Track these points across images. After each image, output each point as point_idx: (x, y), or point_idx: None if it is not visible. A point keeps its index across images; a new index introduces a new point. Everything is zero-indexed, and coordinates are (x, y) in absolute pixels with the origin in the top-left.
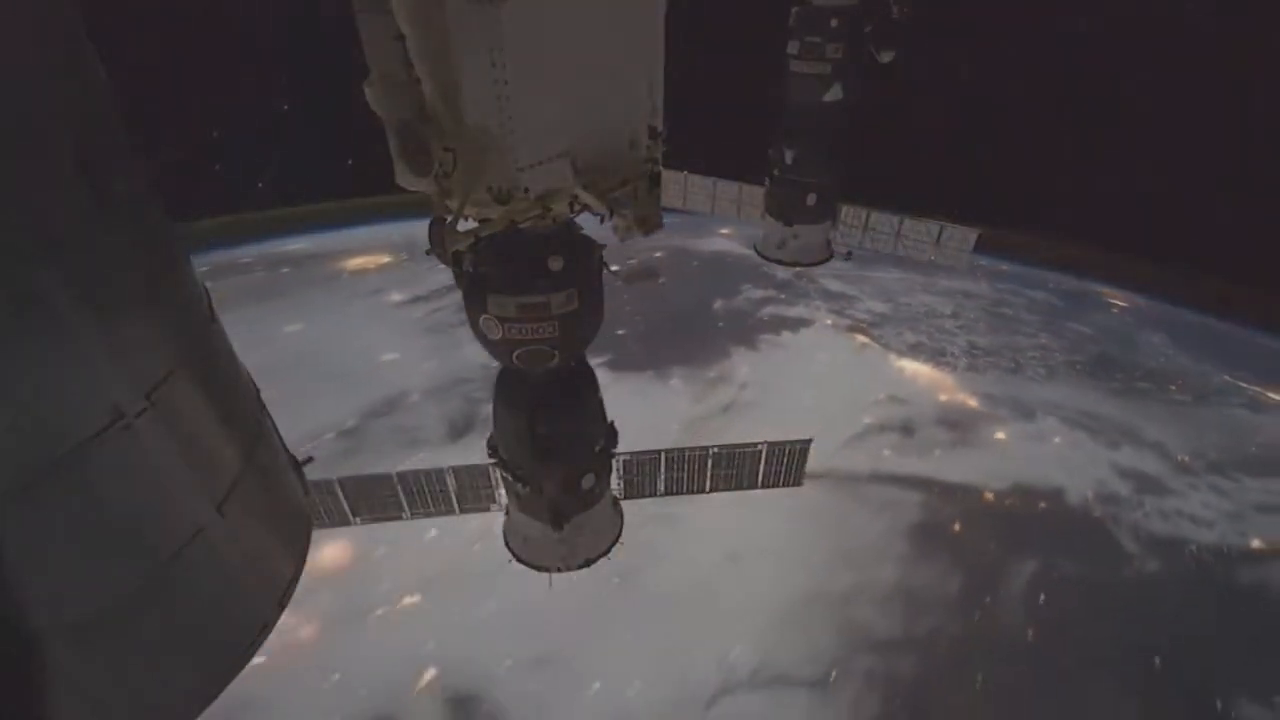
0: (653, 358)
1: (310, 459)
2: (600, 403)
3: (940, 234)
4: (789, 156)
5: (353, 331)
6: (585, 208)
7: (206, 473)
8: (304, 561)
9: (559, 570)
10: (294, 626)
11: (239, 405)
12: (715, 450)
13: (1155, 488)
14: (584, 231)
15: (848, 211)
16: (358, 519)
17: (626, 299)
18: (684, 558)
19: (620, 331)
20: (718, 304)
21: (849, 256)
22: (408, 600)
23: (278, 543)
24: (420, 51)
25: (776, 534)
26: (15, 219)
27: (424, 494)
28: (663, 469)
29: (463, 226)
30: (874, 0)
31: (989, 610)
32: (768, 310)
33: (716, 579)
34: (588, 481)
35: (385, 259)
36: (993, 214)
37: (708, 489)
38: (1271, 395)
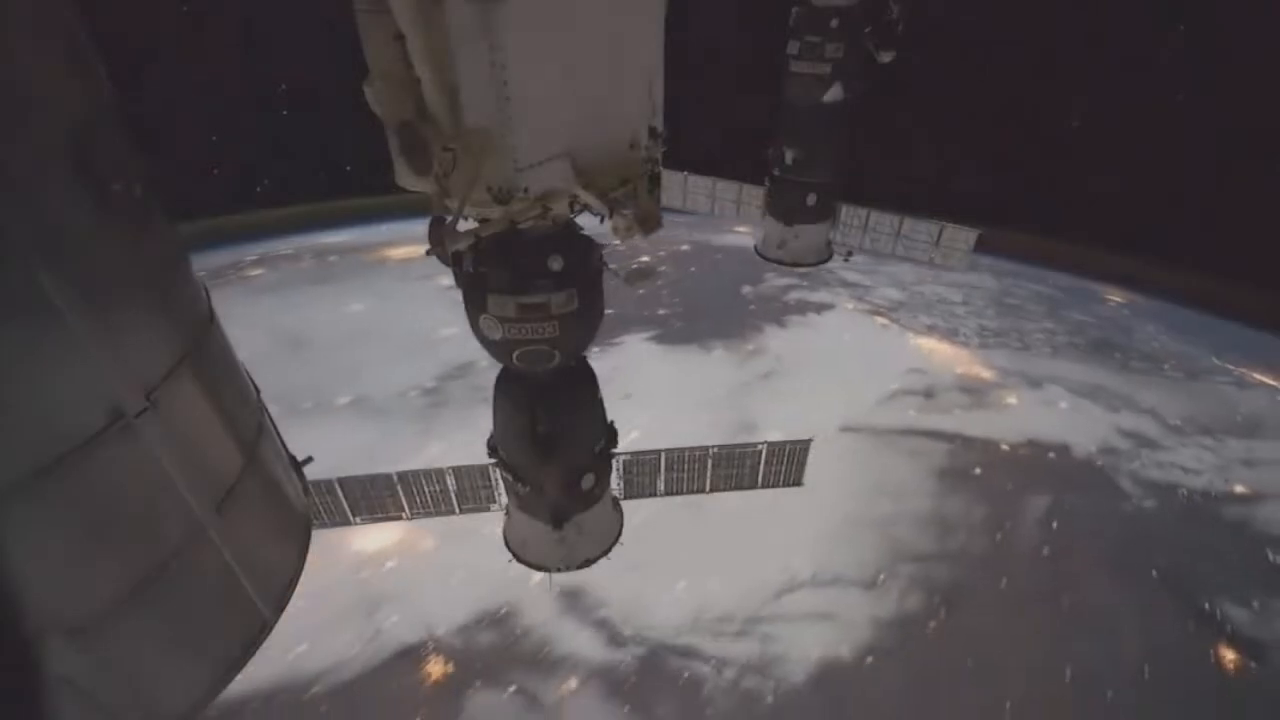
0: (694, 333)
1: (310, 459)
2: (600, 403)
3: (940, 234)
4: (789, 156)
5: (412, 310)
6: (585, 208)
7: (207, 472)
8: (304, 560)
9: (559, 570)
10: (415, 540)
11: (239, 405)
12: (715, 450)
13: (1151, 444)
14: (584, 231)
15: (848, 211)
16: (358, 519)
17: (663, 285)
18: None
19: (662, 311)
20: (746, 290)
21: (849, 257)
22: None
23: (278, 542)
24: (420, 51)
25: (823, 472)
26: (15, 220)
27: (424, 494)
28: (662, 469)
29: (463, 226)
30: (874, 0)
31: (1009, 532)
32: (793, 295)
33: (773, 506)
34: (588, 481)
35: (427, 248)
36: (993, 214)
37: (708, 489)
38: (1256, 375)
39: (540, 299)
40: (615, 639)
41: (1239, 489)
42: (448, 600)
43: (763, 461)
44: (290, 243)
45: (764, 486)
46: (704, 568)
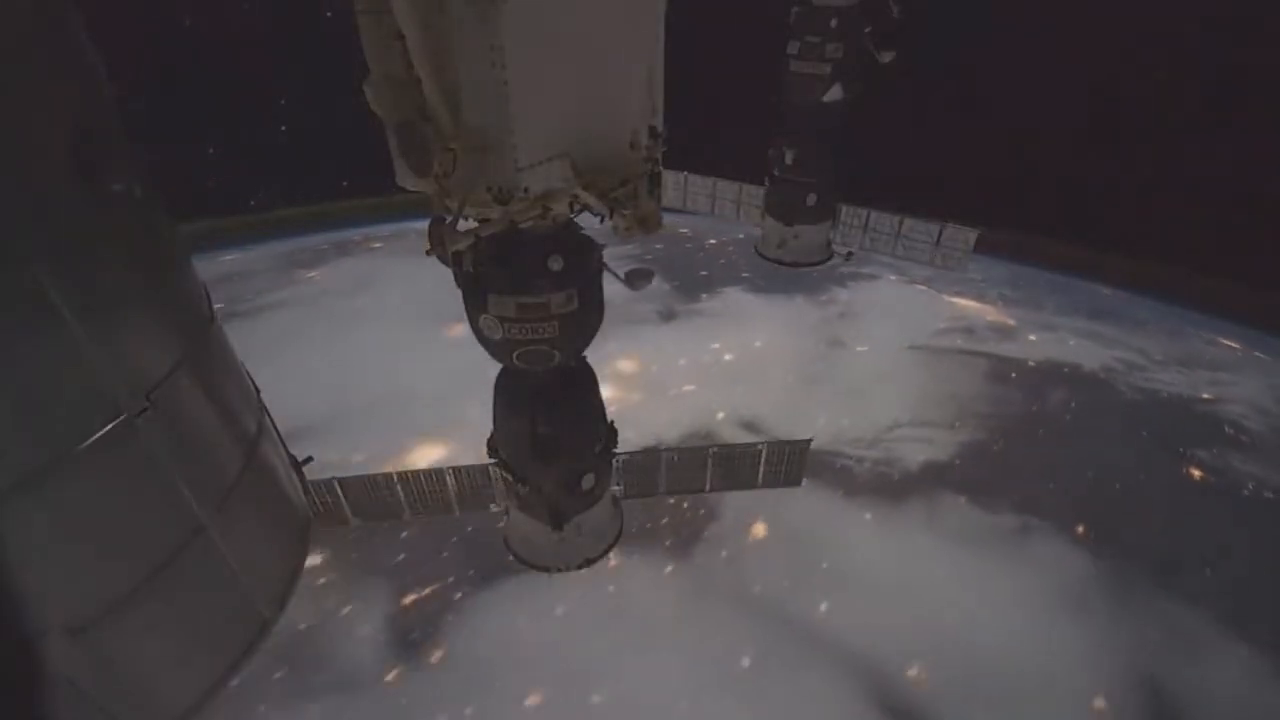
0: (776, 289)
1: (310, 459)
2: (600, 402)
3: (940, 234)
4: (789, 156)
5: None
6: (585, 208)
7: (206, 472)
8: (304, 560)
9: (559, 570)
10: (624, 396)
11: (239, 405)
12: (715, 450)
13: (1139, 368)
14: (584, 231)
15: (848, 211)
16: (357, 519)
17: (738, 257)
18: (844, 376)
19: (745, 275)
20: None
21: (849, 256)
22: (687, 388)
23: (278, 541)
24: (420, 51)
25: (900, 371)
26: (15, 220)
27: (424, 494)
28: (663, 469)
29: (463, 226)
30: (874, 0)
31: (1040, 407)
32: (845, 269)
33: (869, 386)
34: (588, 481)
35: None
36: (993, 214)
37: (708, 489)
38: (1224, 341)
39: (540, 299)
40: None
41: (1205, 395)
42: (664, 425)
43: (763, 461)
44: (386, 228)
45: (764, 486)
46: (833, 415)
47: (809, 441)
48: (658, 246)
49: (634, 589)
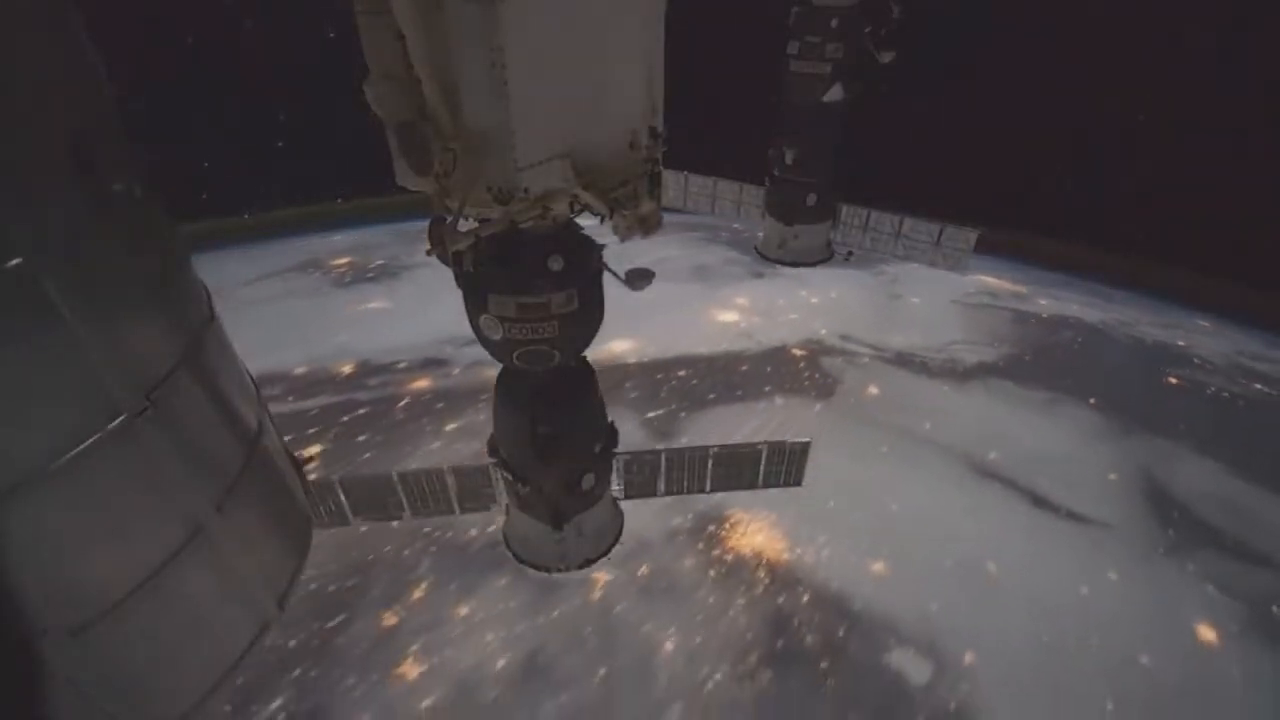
0: (831, 265)
1: (310, 458)
2: (601, 402)
3: (940, 234)
4: (789, 156)
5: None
6: (585, 208)
7: (206, 472)
8: (305, 560)
9: (559, 570)
10: (746, 319)
11: (239, 404)
12: (716, 450)
13: (1129, 325)
14: (584, 231)
15: (848, 211)
16: (358, 518)
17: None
18: (907, 314)
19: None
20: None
21: (849, 256)
22: (791, 316)
23: (278, 541)
24: (420, 51)
25: (948, 313)
26: (16, 220)
27: (424, 494)
28: (663, 469)
29: (463, 226)
30: (874, 0)
31: (1054, 339)
32: (877, 256)
33: (927, 319)
34: (588, 481)
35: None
36: (993, 214)
37: (708, 489)
38: (1201, 323)
39: (540, 299)
40: (876, 347)
41: (1180, 343)
42: (784, 335)
43: (763, 461)
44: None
45: (764, 486)
46: (905, 334)
47: (808, 443)
48: (723, 235)
49: (796, 412)
